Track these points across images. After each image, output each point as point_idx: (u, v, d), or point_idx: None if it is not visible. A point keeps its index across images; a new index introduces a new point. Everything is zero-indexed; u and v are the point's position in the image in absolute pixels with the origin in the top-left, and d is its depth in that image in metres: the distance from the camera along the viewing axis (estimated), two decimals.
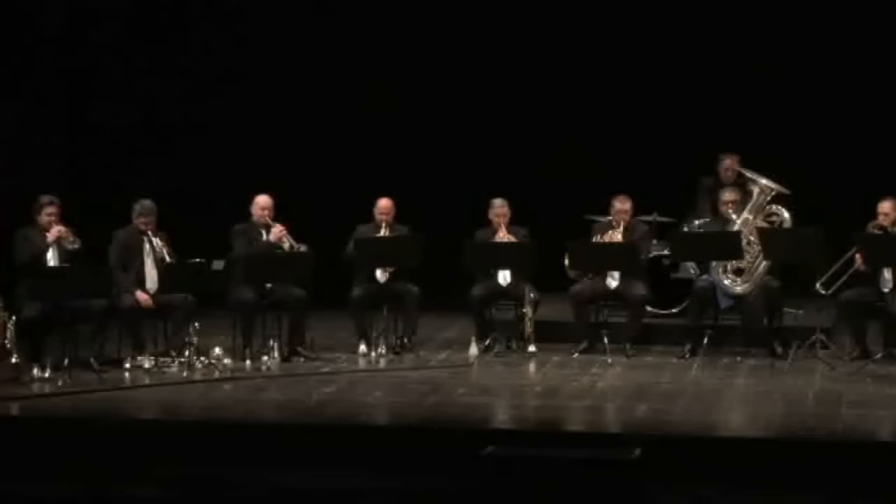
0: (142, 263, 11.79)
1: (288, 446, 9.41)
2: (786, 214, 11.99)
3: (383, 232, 12.32)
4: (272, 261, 12.02)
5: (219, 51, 14.93)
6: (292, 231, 12.10)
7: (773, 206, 12.07)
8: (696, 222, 12.96)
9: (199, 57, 14.96)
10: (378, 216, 12.37)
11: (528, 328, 12.10)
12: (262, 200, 12.18)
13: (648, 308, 12.58)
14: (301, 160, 14.54)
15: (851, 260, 11.59)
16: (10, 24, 14.40)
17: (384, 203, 12.38)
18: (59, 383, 10.89)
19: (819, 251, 11.52)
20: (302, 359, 11.93)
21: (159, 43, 14.94)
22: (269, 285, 12.01)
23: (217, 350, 11.66)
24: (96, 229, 11.84)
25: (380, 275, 12.26)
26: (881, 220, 11.68)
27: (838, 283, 11.61)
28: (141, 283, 11.75)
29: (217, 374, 11.39)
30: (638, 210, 12.47)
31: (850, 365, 11.50)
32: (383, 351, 12.12)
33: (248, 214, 12.22)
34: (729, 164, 13.12)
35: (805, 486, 8.75)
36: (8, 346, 11.09)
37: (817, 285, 11.62)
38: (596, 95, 14.46)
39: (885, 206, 11.71)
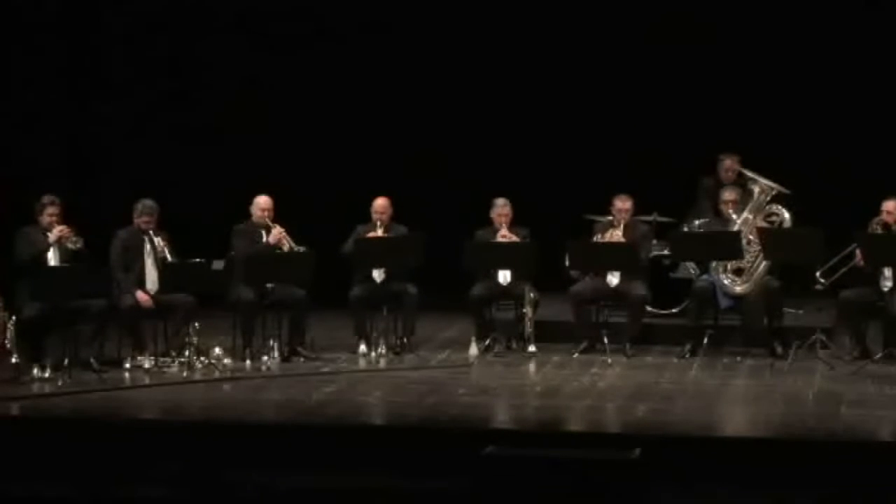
0: (142, 263, 11.79)
1: (288, 446, 9.41)
2: (786, 214, 11.99)
3: (380, 231, 12.32)
4: (272, 261, 12.02)
5: (219, 52, 14.93)
6: (292, 231, 12.10)
7: (773, 206, 12.07)
8: (696, 222, 12.96)
9: (200, 59, 14.99)
10: (374, 215, 12.37)
11: (528, 328, 12.10)
12: (263, 201, 12.17)
13: (648, 308, 12.58)
14: (301, 160, 14.54)
15: (851, 254, 11.62)
16: (11, 17, 14.44)
17: (380, 202, 12.37)
18: (59, 383, 10.88)
19: (819, 251, 11.53)
20: (302, 359, 11.92)
21: (158, 45, 14.98)
22: (269, 285, 12.01)
23: (217, 350, 11.66)
24: (97, 229, 11.85)
25: (377, 275, 12.26)
26: (884, 216, 11.67)
27: (837, 274, 11.64)
28: (141, 283, 11.75)
29: (217, 374, 11.39)
30: (638, 210, 12.48)
31: (850, 365, 11.49)
32: (383, 351, 12.12)
33: (248, 214, 12.21)
34: (729, 164, 13.11)
35: (805, 486, 8.75)
36: (8, 346, 11.09)
37: (817, 274, 11.65)
38: (597, 95, 14.47)
39: (889, 204, 11.70)
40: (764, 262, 11.94)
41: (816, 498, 8.70)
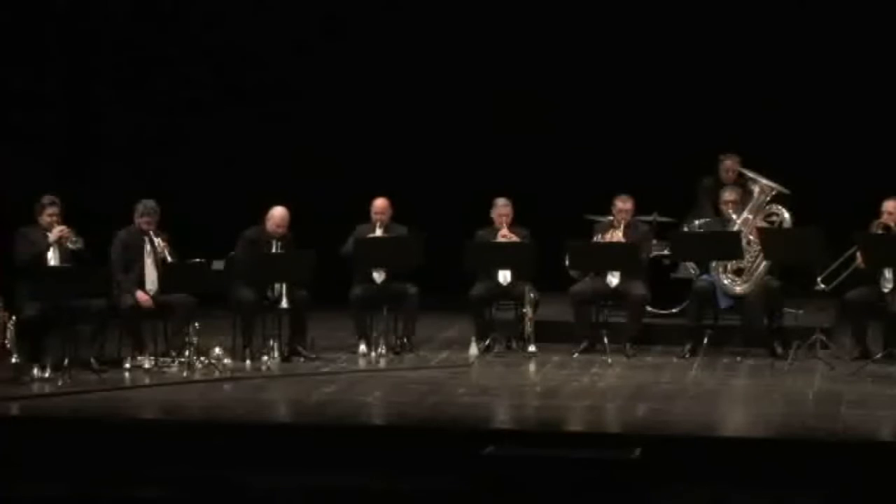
0: (142, 263, 11.79)
1: (288, 446, 9.41)
2: (786, 214, 11.99)
3: (379, 232, 12.31)
4: (272, 261, 12.01)
5: (220, 55, 14.93)
6: (293, 231, 12.10)
7: (773, 206, 12.07)
8: (697, 222, 12.96)
9: (201, 61, 14.99)
10: (374, 216, 12.35)
11: (528, 328, 12.10)
12: (279, 216, 12.06)
13: (648, 308, 12.58)
14: (302, 160, 14.53)
15: (852, 257, 11.62)
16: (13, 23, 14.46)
17: (380, 203, 12.36)
18: (59, 383, 10.88)
19: (819, 251, 11.53)
20: (302, 359, 11.92)
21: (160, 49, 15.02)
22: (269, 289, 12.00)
23: (217, 350, 11.65)
24: (96, 230, 11.84)
25: (377, 275, 12.26)
26: (885, 218, 11.67)
27: (839, 279, 11.64)
28: (141, 284, 11.74)
29: (217, 374, 11.38)
30: (638, 210, 12.47)
31: (850, 365, 11.49)
32: (383, 351, 12.12)
33: (250, 214, 12.18)
34: (730, 164, 13.12)
35: (805, 486, 8.75)
36: (8, 346, 11.08)
37: (818, 280, 11.64)
38: (597, 95, 14.46)
39: (889, 205, 11.70)
40: (764, 262, 11.93)
41: (816, 498, 8.70)
